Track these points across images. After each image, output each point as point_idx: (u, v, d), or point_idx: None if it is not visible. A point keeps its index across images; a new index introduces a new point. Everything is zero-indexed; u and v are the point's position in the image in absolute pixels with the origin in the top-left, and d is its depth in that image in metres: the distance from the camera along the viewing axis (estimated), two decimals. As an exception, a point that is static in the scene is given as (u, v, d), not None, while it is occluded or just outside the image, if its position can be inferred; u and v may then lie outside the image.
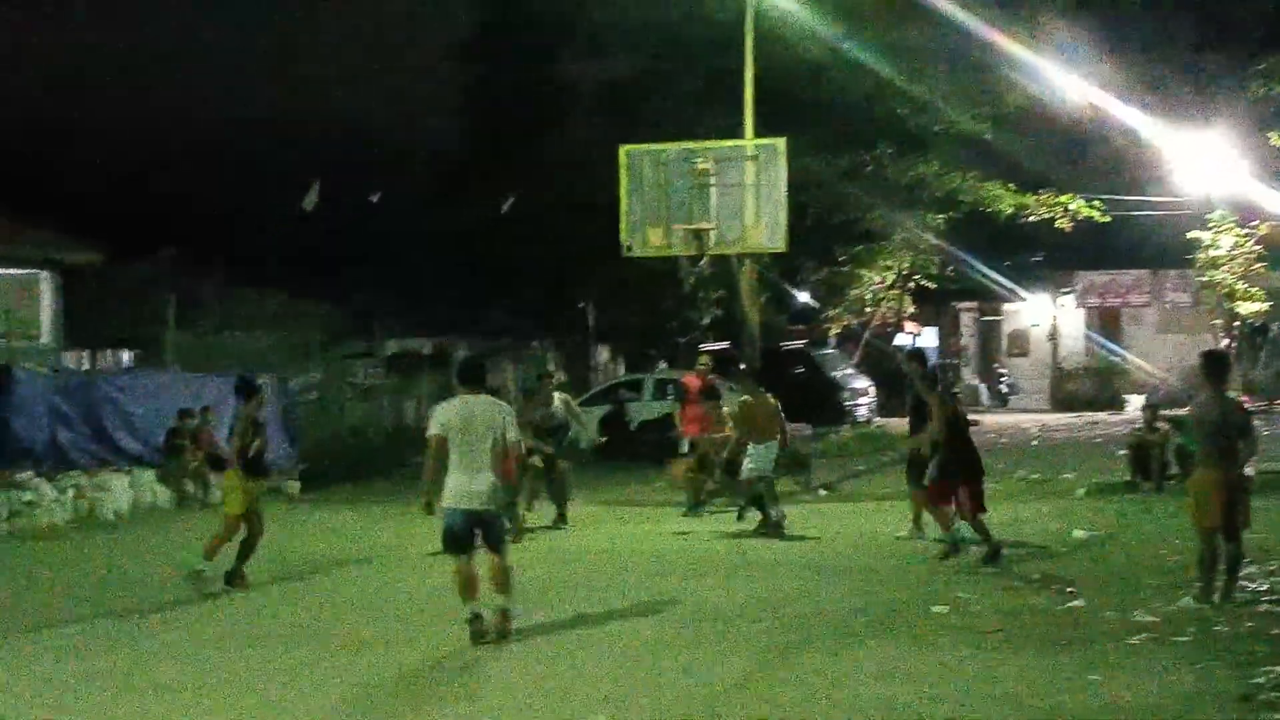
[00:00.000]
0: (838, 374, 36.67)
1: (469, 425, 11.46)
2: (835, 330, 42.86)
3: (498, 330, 39.79)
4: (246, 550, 14.57)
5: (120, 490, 22.20)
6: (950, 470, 14.66)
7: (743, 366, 20.11)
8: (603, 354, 42.75)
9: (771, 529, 17.23)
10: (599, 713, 9.11)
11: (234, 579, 14.39)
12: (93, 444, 22.60)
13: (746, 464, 17.66)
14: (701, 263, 22.82)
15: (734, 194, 22.31)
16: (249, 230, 34.67)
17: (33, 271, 27.83)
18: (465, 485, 11.40)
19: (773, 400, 18.07)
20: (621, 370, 40.86)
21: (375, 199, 36.17)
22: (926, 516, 16.10)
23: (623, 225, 22.64)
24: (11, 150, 32.10)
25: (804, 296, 42.73)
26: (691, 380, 20.22)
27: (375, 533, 19.34)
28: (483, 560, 11.49)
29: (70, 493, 21.34)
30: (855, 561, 15.21)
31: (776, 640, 11.22)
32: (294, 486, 24.78)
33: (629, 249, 22.81)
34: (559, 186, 34.98)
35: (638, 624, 12.06)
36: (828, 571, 14.58)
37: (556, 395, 19.58)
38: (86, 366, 29.72)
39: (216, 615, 13.16)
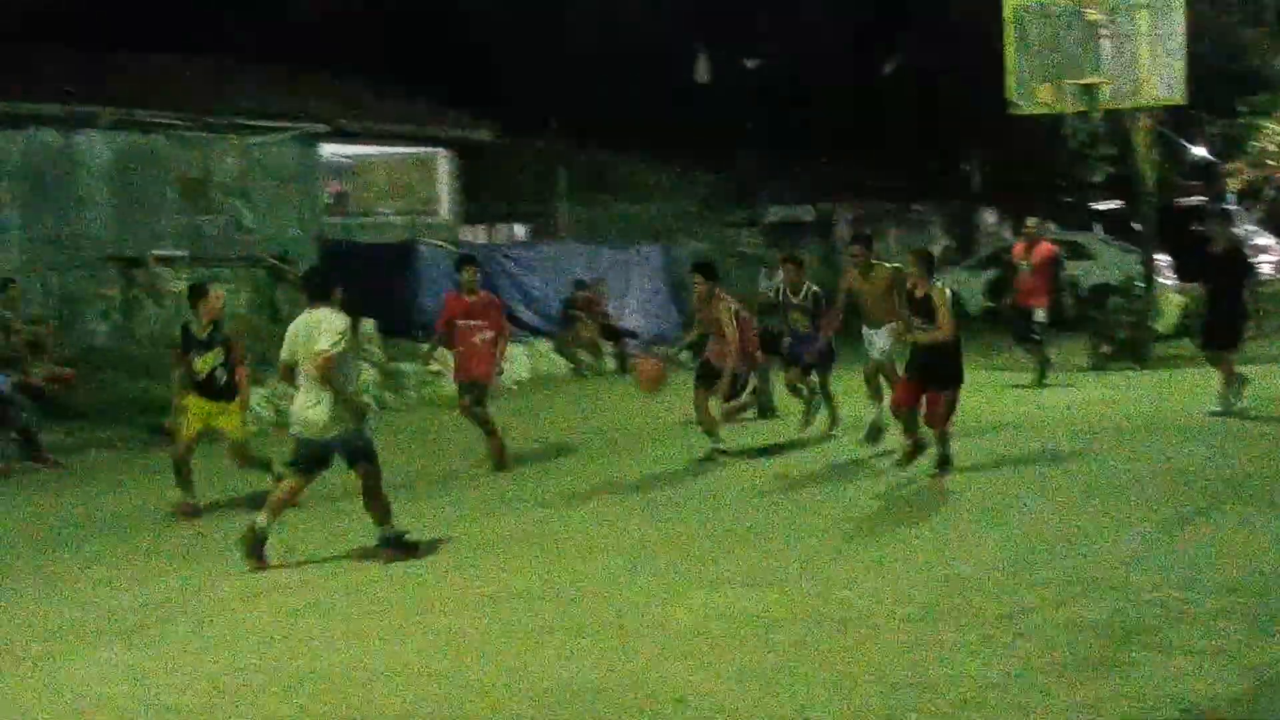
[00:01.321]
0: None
1: (296, 344, 10.19)
2: (1235, 186, 41.08)
3: (879, 194, 39.48)
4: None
5: (519, 360, 22.99)
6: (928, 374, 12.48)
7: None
8: (988, 217, 41.97)
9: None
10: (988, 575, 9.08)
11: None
12: (492, 316, 23.45)
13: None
14: (1093, 118, 21.96)
15: (1127, 45, 21.43)
16: (637, 101, 35.15)
17: (431, 149, 29.04)
18: (296, 410, 10.25)
19: (888, 268, 14.39)
20: (1008, 234, 40.07)
21: (753, 65, 36.21)
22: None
23: (1008, 82, 22.03)
24: (408, 29, 33.34)
25: (1200, 151, 41.01)
26: (1018, 249, 18.41)
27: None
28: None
29: (473, 364, 22.19)
30: (1254, 428, 14.67)
31: (1179, 506, 10.91)
32: (685, 356, 25.10)
33: (1015, 107, 22.20)
34: (942, 46, 34.33)
35: (1029, 486, 11.95)
36: (1223, 436, 14.15)
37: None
38: (484, 240, 30.89)
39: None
